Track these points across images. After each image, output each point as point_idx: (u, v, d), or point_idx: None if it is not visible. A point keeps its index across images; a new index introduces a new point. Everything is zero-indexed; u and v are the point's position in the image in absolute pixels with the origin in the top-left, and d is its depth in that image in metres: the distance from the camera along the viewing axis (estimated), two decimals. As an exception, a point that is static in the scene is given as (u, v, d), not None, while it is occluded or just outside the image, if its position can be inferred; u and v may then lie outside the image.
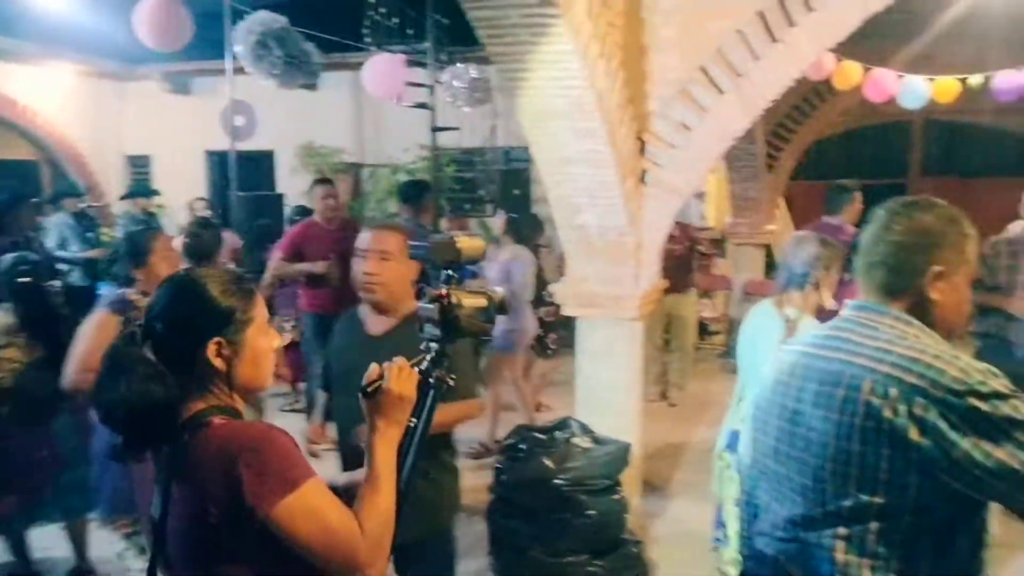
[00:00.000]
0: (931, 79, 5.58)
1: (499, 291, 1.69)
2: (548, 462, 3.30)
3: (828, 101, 6.96)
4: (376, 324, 2.39)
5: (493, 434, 4.97)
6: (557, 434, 3.48)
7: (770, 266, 7.50)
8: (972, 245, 1.48)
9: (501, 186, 7.98)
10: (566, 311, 3.67)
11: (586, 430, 3.50)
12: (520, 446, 3.41)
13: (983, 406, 1.30)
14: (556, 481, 3.26)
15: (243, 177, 7.79)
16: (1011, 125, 8.84)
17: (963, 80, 5.55)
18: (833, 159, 9.70)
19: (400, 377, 1.44)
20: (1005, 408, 1.30)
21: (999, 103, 6.28)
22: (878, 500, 1.39)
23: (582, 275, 3.59)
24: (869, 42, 5.81)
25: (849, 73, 5.54)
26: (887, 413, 1.35)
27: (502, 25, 2.67)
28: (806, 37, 3.18)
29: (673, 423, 5.63)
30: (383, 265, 2.30)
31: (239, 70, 6.32)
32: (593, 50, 2.85)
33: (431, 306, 1.54)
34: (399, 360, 1.46)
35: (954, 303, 1.47)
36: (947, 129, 9.37)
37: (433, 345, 1.55)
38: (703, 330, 7.79)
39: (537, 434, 3.48)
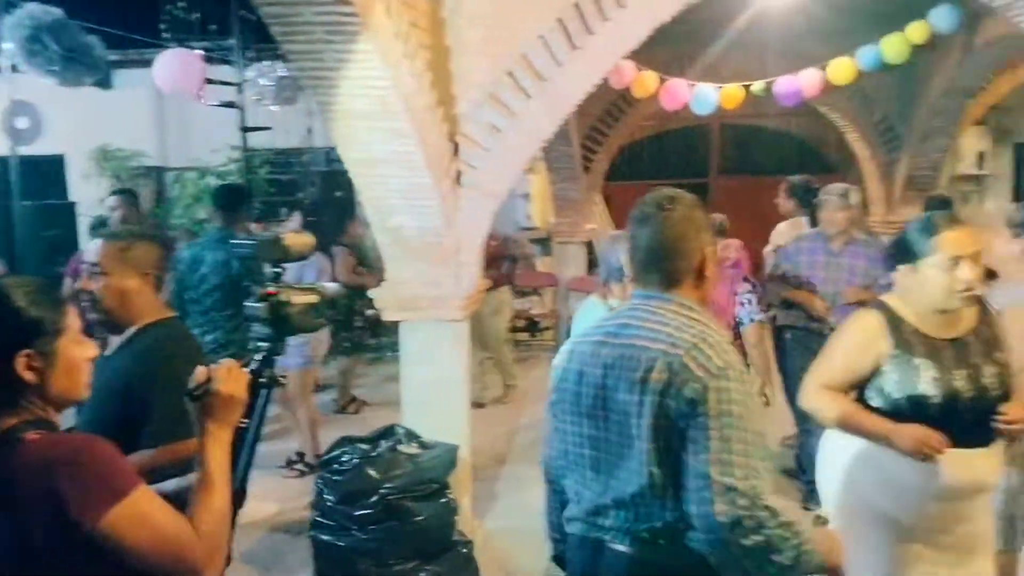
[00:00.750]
0: (719, 87, 6.06)
1: (330, 287, 1.71)
2: (373, 472, 3.23)
3: (635, 106, 7.37)
4: (115, 343, 2.13)
5: (315, 449, 4.81)
6: (382, 442, 3.42)
7: (592, 263, 7.84)
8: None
9: (322, 188, 7.73)
10: (387, 315, 3.61)
11: (412, 436, 3.47)
12: (342, 459, 3.32)
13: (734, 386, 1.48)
14: (382, 491, 3.20)
15: (28, 185, 7.00)
16: (793, 127, 9.85)
17: (747, 87, 6.08)
18: (644, 160, 10.33)
19: (229, 378, 1.42)
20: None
21: (781, 108, 6.99)
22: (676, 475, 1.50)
23: (401, 278, 3.55)
24: (664, 51, 6.26)
25: (647, 82, 5.90)
26: (679, 390, 1.47)
27: (295, 23, 2.57)
28: (603, 44, 3.33)
29: (503, 419, 5.73)
30: (97, 281, 2.04)
31: (16, 68, 5.67)
32: (396, 50, 2.82)
33: (259, 305, 1.53)
34: (227, 361, 1.44)
35: (714, 277, 1.66)
36: (740, 132, 10.26)
37: (263, 345, 1.54)
38: (533, 327, 8.00)
39: (361, 444, 3.40)
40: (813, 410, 2.23)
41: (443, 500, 3.31)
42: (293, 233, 1.68)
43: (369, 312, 5.43)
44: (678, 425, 1.47)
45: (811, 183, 5.28)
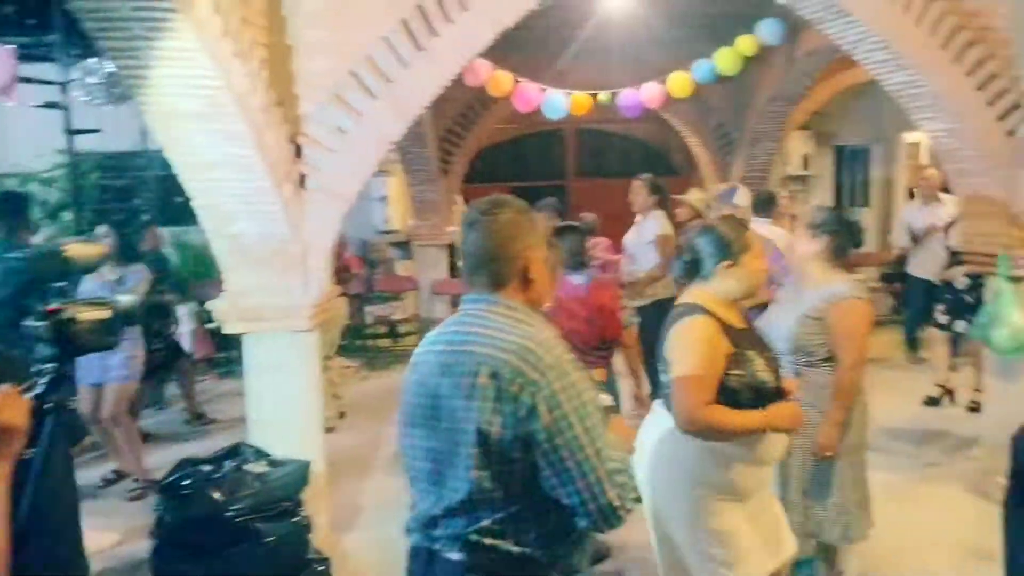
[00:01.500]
0: (569, 93, 6.23)
1: (124, 300, 1.55)
2: (217, 495, 3.05)
3: (490, 109, 7.44)
4: None
5: (142, 470, 4.51)
6: (226, 463, 3.23)
7: (454, 265, 7.83)
8: (541, 228, 1.71)
9: (160, 194, 7.23)
10: (229, 328, 3.42)
11: (261, 454, 3.30)
12: (183, 482, 3.10)
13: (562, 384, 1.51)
14: (228, 514, 3.03)
15: None
16: (641, 133, 10.32)
17: (594, 95, 6.29)
18: (504, 163, 10.46)
19: (4, 406, 1.26)
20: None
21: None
22: (510, 480, 1.50)
23: (243, 288, 3.37)
24: (517, 57, 6.37)
25: (501, 82, 5.98)
26: (515, 395, 1.47)
27: (112, 18, 2.39)
28: (449, 46, 3.32)
29: (367, 428, 5.59)
30: None
31: None
32: (225, 48, 2.67)
33: (40, 324, 1.41)
34: (3, 387, 1.29)
35: (543, 280, 1.68)
36: (594, 137, 10.64)
37: (49, 367, 1.42)
38: (394, 332, 7.87)
39: (203, 466, 3.20)
40: (703, 434, 2.19)
41: (296, 519, 3.18)
42: (78, 244, 1.54)
43: (173, 330, 5.14)
44: (518, 430, 1.47)
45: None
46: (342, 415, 5.73)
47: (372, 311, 7.36)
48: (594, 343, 3.42)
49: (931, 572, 3.41)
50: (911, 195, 9.19)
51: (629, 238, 5.30)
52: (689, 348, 2.19)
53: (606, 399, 1.71)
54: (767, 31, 5.79)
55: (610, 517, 1.50)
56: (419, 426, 1.62)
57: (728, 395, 2.16)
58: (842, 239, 2.88)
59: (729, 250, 2.28)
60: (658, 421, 2.40)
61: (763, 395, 2.19)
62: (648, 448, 2.36)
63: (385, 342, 7.15)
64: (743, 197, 4.52)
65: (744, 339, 2.25)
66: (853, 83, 7.42)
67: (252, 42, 3.00)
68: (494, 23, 3.30)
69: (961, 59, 3.82)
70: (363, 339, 7.02)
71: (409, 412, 1.66)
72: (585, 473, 1.47)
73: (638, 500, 1.58)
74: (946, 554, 3.50)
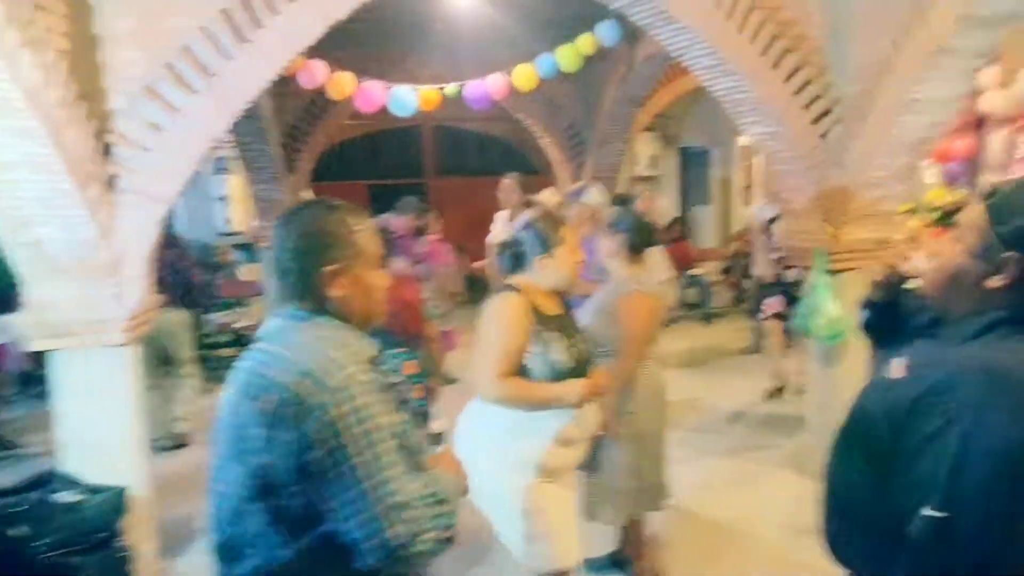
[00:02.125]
0: (416, 88, 6.14)
1: None
2: (18, 531, 2.74)
3: (337, 105, 7.20)
4: None
5: None
6: (31, 495, 2.91)
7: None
8: (365, 237, 1.54)
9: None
10: (31, 346, 3.08)
11: (72, 482, 3.00)
12: (-25, 520, 2.77)
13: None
14: (32, 550, 2.73)
15: None
16: (497, 132, 10.37)
17: (442, 89, 6.24)
18: (358, 160, 10.19)
19: None
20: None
21: (487, 113, 7.31)
22: (293, 514, 1.38)
23: (47, 301, 3.04)
24: (362, 53, 6.21)
25: (342, 84, 5.79)
26: (298, 421, 1.34)
27: None
28: (275, 39, 3.15)
29: (200, 444, 5.23)
30: None
31: None
32: (10, 38, 2.39)
33: None
34: None
35: (362, 294, 1.52)
36: (451, 135, 10.58)
37: None
38: (238, 341, 7.44)
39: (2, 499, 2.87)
40: (500, 400, 2.41)
41: (112, 549, 2.91)
42: None
43: None
44: (297, 459, 1.34)
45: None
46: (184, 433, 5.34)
47: (214, 319, 6.92)
48: (399, 337, 3.43)
49: (758, 547, 3.61)
50: (748, 194, 9.85)
51: (495, 237, 5.31)
52: (494, 322, 2.41)
53: (438, 425, 1.64)
54: (605, 33, 5.96)
55: (394, 555, 1.36)
56: (219, 449, 1.49)
57: (524, 370, 2.38)
58: (636, 237, 3.06)
59: (545, 245, 2.47)
60: (475, 406, 2.55)
61: (559, 375, 2.39)
62: (462, 431, 2.54)
63: (229, 352, 6.74)
64: (594, 195, 4.62)
65: (552, 323, 2.43)
66: (692, 87, 7.78)
67: (48, 31, 2.71)
68: (324, 16, 3.16)
69: (779, 66, 4.07)
70: (205, 349, 6.59)
71: (216, 432, 1.52)
72: (366, 507, 1.33)
73: (447, 540, 1.44)
74: (773, 529, 3.73)
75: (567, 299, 2.63)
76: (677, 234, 9.07)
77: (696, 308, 8.92)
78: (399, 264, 4.50)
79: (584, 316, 2.94)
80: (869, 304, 1.77)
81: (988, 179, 6.80)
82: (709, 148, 10.34)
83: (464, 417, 2.59)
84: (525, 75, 6.26)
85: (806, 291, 4.30)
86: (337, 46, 4.59)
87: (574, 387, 2.39)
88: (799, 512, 3.81)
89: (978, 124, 6.73)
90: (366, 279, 1.53)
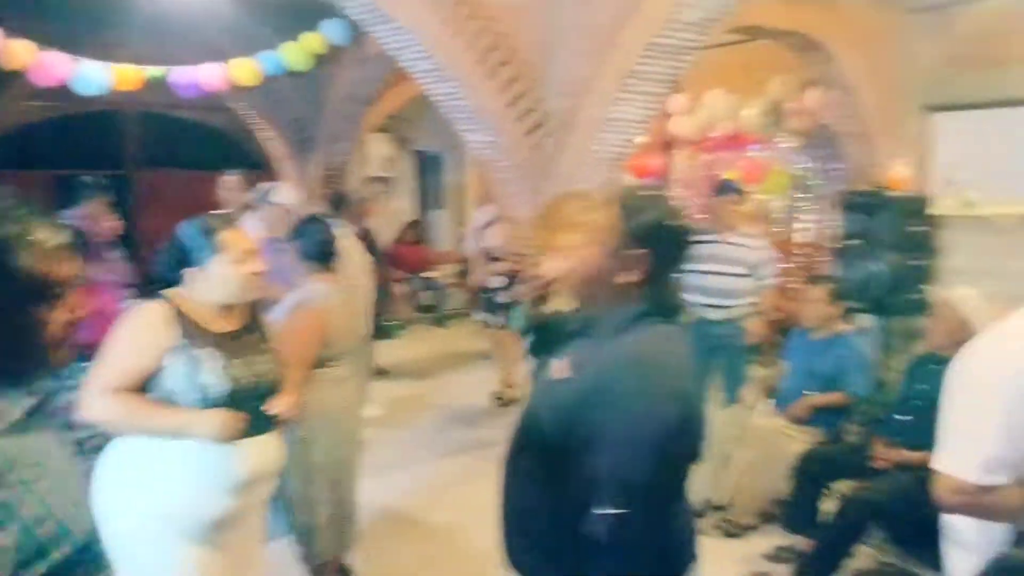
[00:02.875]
0: (110, 66, 5.41)
1: None
2: None
3: (16, 82, 6.14)
4: None
5: None
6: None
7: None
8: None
9: None
10: None
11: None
12: None
13: None
14: None
15: None
16: (215, 122, 9.54)
17: (143, 70, 5.56)
18: (42, 147, 8.79)
19: None
20: None
21: (203, 102, 6.63)
22: None
23: None
24: (55, 27, 5.33)
25: (18, 52, 4.93)
26: None
27: None
28: None
29: None
30: None
31: None
32: None
33: None
34: None
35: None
36: (161, 122, 9.52)
37: None
38: None
39: None
40: (102, 418, 2.00)
41: None
42: None
43: None
44: None
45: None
46: None
47: None
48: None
49: (482, 545, 3.66)
50: (480, 200, 10.16)
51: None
52: (117, 331, 2.06)
53: None
54: (332, 30, 5.73)
55: None
56: None
57: (165, 393, 2.02)
58: (313, 247, 2.84)
59: (199, 253, 2.12)
60: (114, 445, 2.11)
61: (212, 401, 2.03)
62: (97, 479, 2.05)
63: None
64: (285, 194, 4.24)
65: (210, 340, 2.07)
66: (424, 91, 7.79)
67: None
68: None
69: (495, 76, 4.16)
70: None
71: None
72: None
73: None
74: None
75: (258, 313, 2.30)
76: (414, 237, 9.08)
77: (431, 311, 9.00)
78: (97, 269, 3.91)
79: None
80: (528, 331, 1.77)
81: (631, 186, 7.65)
82: (443, 152, 10.49)
83: (101, 461, 2.11)
84: (245, 70, 5.82)
85: (520, 295, 4.46)
86: (18, 11, 3.87)
87: (209, 416, 1.99)
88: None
89: (668, 144, 7.57)
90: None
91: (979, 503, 1.43)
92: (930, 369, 3.01)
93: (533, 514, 1.47)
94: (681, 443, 1.36)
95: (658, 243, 1.43)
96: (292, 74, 6.37)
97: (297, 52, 5.78)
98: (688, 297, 4.45)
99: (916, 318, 3.76)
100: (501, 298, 5.70)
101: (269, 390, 2.17)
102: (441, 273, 9.26)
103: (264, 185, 4.19)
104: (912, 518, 2.87)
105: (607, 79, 3.96)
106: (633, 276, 1.42)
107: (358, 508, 3.00)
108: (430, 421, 5.51)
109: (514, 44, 4.22)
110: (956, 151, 6.09)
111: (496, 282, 5.64)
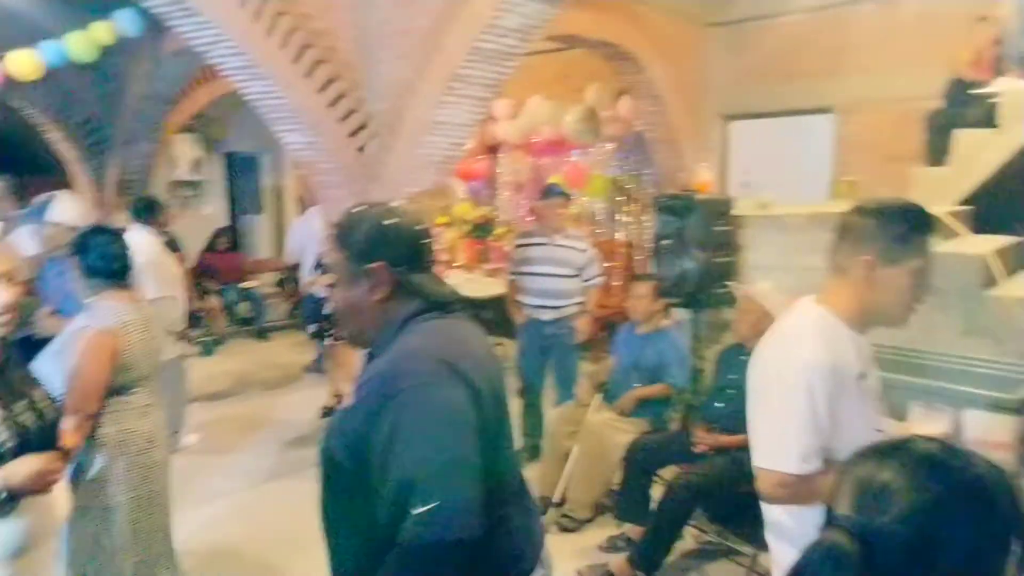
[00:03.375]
0: None
1: None
2: None
3: None
4: None
5: None
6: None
7: None
8: None
9: None
10: None
11: None
12: None
13: None
14: None
15: None
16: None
17: None
18: None
19: None
20: None
21: None
22: None
23: None
24: None
25: None
26: None
27: None
28: None
29: None
30: None
31: None
32: None
33: None
34: None
35: None
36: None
37: None
38: None
39: None
40: None
41: None
42: None
43: None
44: None
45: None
46: None
47: None
48: None
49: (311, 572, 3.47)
50: (302, 203, 9.73)
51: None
52: None
53: None
54: (125, 21, 5.23)
55: None
56: None
57: None
58: (98, 261, 2.48)
59: None
60: None
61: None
62: None
63: None
64: (64, 211, 3.74)
65: None
66: (235, 89, 7.32)
67: None
68: None
69: (312, 75, 3.97)
70: None
71: None
72: None
73: None
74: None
75: (15, 354, 1.93)
76: (227, 245, 8.52)
77: (250, 323, 8.48)
78: None
79: (45, 362, 2.32)
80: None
81: (504, 195, 7.80)
82: (258, 154, 9.95)
83: None
84: (26, 63, 5.17)
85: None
86: None
87: (27, 465, 1.73)
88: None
89: (493, 148, 7.68)
90: None
91: (802, 491, 1.55)
92: (739, 360, 3.24)
93: (356, 534, 1.40)
94: (479, 426, 1.35)
95: (386, 249, 1.43)
96: (83, 69, 5.75)
97: (82, 42, 5.22)
98: (522, 298, 4.53)
99: (724, 311, 4.06)
100: (328, 308, 5.48)
101: (53, 427, 1.88)
102: (260, 282, 8.77)
103: (41, 198, 3.70)
104: (730, 497, 3.09)
105: (432, 82, 3.92)
106: (383, 290, 1.42)
107: (174, 549, 2.72)
108: (253, 444, 5.17)
109: (332, 43, 4.06)
110: (752, 156, 6.69)
111: (322, 291, 5.41)
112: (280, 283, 9.04)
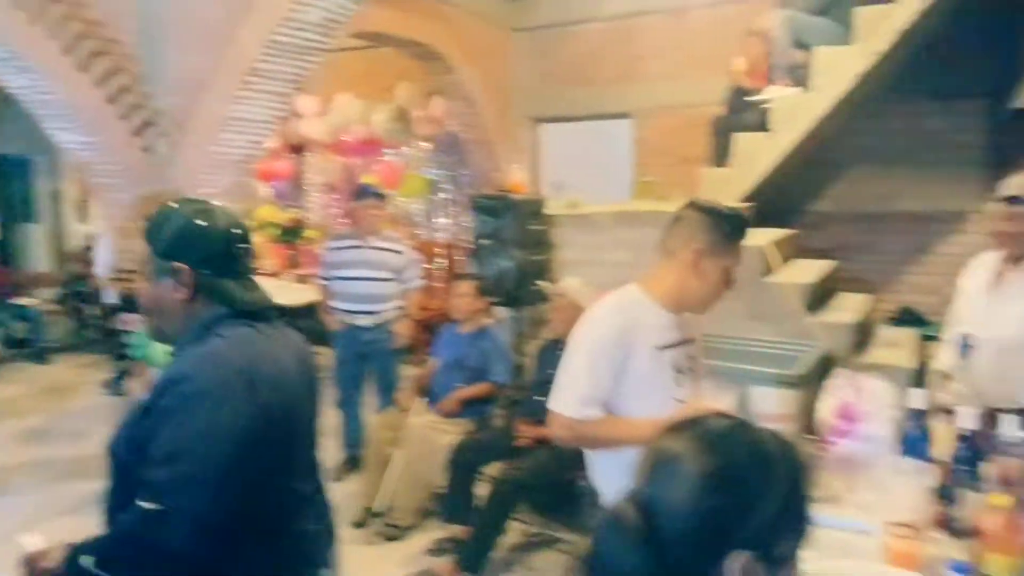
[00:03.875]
0: None
1: None
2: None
3: None
4: None
5: None
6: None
7: None
8: None
9: None
10: None
11: None
12: None
13: None
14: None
15: None
16: None
17: None
18: None
19: None
20: None
21: None
22: None
23: None
24: None
25: None
26: None
27: None
28: None
29: None
30: None
31: None
32: None
33: None
34: None
35: None
36: None
37: None
38: None
39: None
40: None
41: None
42: None
43: None
44: None
45: None
46: None
47: None
48: None
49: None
50: (83, 209, 8.81)
51: None
52: None
53: None
54: None
55: None
56: None
57: None
58: None
59: None
60: None
61: None
62: None
63: None
64: None
65: None
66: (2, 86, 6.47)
67: None
68: None
69: (88, 68, 3.59)
70: None
71: None
72: None
73: None
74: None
75: None
76: (-6, 258, 7.52)
77: (27, 345, 7.53)
78: None
79: None
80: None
81: (314, 198, 7.53)
82: (32, 156, 8.87)
83: None
84: None
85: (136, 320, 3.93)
86: None
87: None
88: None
89: (298, 148, 7.37)
90: None
91: (584, 434, 1.82)
92: (556, 354, 3.32)
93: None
94: (262, 441, 1.33)
95: (191, 251, 1.41)
96: None
97: None
98: (336, 304, 4.36)
99: (540, 307, 4.17)
100: (120, 323, 4.98)
101: None
102: (38, 299, 7.82)
103: None
104: (551, 486, 3.17)
105: (226, 76, 3.67)
106: (185, 291, 1.41)
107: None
108: (38, 479, 4.58)
109: (111, 34, 3.69)
110: (560, 158, 6.94)
111: (112, 303, 4.93)
112: (62, 299, 8.12)
